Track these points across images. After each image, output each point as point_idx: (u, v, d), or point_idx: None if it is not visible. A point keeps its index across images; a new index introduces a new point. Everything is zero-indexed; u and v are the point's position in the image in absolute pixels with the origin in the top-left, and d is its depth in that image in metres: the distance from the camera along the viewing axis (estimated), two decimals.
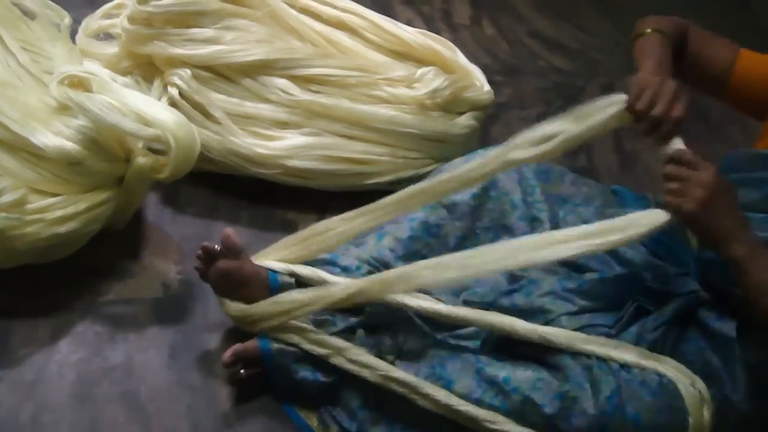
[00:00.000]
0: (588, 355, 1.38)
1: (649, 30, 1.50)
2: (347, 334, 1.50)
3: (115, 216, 1.70)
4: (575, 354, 1.38)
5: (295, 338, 1.48)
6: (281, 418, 1.52)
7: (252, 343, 1.50)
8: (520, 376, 1.36)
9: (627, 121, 1.38)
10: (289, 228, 1.88)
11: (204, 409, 1.51)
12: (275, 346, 1.49)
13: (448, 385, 1.38)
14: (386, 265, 1.54)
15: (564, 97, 2.48)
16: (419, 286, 1.43)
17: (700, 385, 1.36)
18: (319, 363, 1.48)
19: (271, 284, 1.52)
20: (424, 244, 1.57)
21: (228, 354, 1.50)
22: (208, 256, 1.54)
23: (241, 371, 1.51)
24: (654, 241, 1.52)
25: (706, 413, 1.34)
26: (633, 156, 2.32)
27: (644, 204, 1.64)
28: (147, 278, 1.72)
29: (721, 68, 1.54)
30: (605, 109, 1.40)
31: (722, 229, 1.30)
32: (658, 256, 1.53)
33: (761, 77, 1.52)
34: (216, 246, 1.54)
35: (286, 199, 1.93)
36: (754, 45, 2.42)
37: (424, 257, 1.55)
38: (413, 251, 1.56)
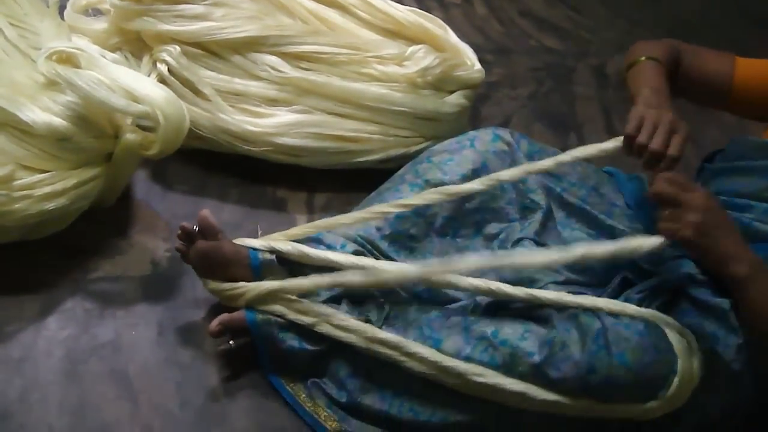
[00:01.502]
0: (575, 307, 1.38)
1: (643, 58, 1.49)
2: (332, 303, 1.49)
3: (103, 193, 1.69)
4: (561, 308, 1.39)
5: (279, 308, 1.48)
6: (270, 394, 1.52)
7: (239, 313, 1.50)
8: (508, 328, 1.37)
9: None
10: (279, 206, 1.90)
11: (193, 385, 1.51)
12: (261, 316, 1.49)
13: (436, 344, 1.38)
14: (372, 244, 1.54)
15: (555, 77, 2.49)
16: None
17: (690, 336, 1.35)
18: (306, 332, 1.48)
19: (252, 263, 1.52)
20: (411, 223, 1.57)
21: (214, 323, 1.50)
22: (187, 237, 1.53)
23: (230, 342, 1.51)
24: (652, 221, 1.53)
25: (696, 363, 1.33)
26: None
27: (637, 185, 1.64)
28: (136, 255, 1.71)
29: (721, 80, 1.54)
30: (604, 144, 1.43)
31: (722, 251, 1.30)
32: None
33: (763, 82, 1.53)
34: (194, 226, 1.53)
35: (276, 176, 1.92)
36: (746, 33, 2.42)
37: (411, 237, 1.56)
38: (400, 230, 1.56)
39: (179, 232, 1.53)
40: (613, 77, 2.54)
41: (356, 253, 1.52)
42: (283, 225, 1.77)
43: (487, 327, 1.38)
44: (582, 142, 2.25)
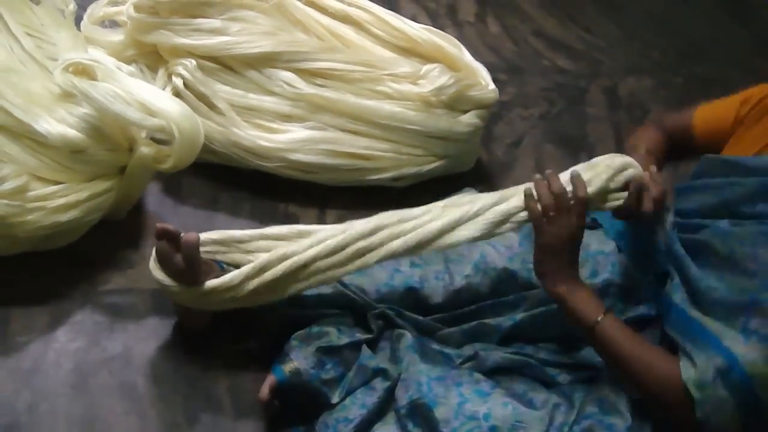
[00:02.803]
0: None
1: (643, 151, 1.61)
2: (351, 349, 1.48)
3: (116, 205, 1.69)
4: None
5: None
6: (278, 412, 1.50)
7: (271, 377, 1.47)
8: (500, 413, 1.35)
9: None
10: (291, 221, 1.88)
11: (202, 400, 1.51)
12: (288, 370, 1.45)
13: (430, 407, 1.37)
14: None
15: (567, 98, 2.48)
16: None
17: None
18: (331, 381, 1.45)
19: None
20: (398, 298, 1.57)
21: (264, 392, 1.46)
22: (171, 239, 1.44)
23: (274, 401, 1.48)
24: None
25: None
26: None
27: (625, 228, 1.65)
28: (147, 268, 1.64)
29: (685, 133, 1.65)
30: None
31: (545, 270, 1.40)
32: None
33: (715, 115, 1.61)
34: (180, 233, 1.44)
35: (288, 192, 1.92)
36: (757, 55, 2.41)
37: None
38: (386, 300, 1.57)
39: (160, 230, 1.42)
40: (624, 99, 2.54)
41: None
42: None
43: (479, 407, 1.36)
44: (589, 158, 2.24)
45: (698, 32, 2.95)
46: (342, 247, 1.41)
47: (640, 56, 2.76)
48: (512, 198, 1.44)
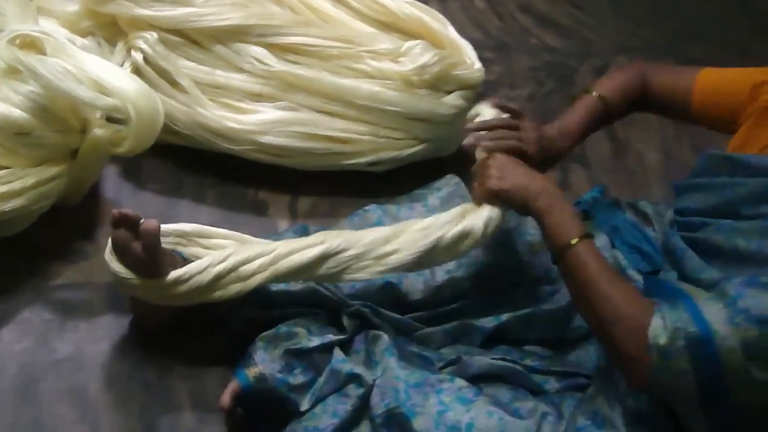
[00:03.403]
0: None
1: (594, 93, 1.57)
2: (322, 351, 1.40)
3: (67, 192, 1.62)
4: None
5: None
6: (242, 420, 1.43)
7: (234, 383, 1.40)
8: (484, 423, 1.28)
9: None
10: (260, 209, 1.84)
11: (159, 407, 1.45)
12: (252, 375, 1.38)
13: (407, 416, 1.30)
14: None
15: (555, 78, 2.41)
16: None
17: None
18: (299, 386, 1.38)
19: None
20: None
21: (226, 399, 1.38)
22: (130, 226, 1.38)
23: (238, 409, 1.41)
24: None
25: None
26: (626, 143, 2.24)
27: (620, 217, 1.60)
28: (102, 260, 1.58)
29: (682, 92, 1.57)
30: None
31: (521, 190, 1.38)
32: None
33: (719, 91, 1.52)
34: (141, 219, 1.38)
35: (258, 177, 1.85)
36: (751, 37, 2.32)
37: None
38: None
39: (118, 216, 1.36)
40: None
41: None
42: (263, 230, 1.70)
43: (461, 416, 1.29)
44: (583, 150, 2.16)
45: (693, 12, 2.88)
46: (312, 245, 1.37)
47: (632, 35, 2.68)
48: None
